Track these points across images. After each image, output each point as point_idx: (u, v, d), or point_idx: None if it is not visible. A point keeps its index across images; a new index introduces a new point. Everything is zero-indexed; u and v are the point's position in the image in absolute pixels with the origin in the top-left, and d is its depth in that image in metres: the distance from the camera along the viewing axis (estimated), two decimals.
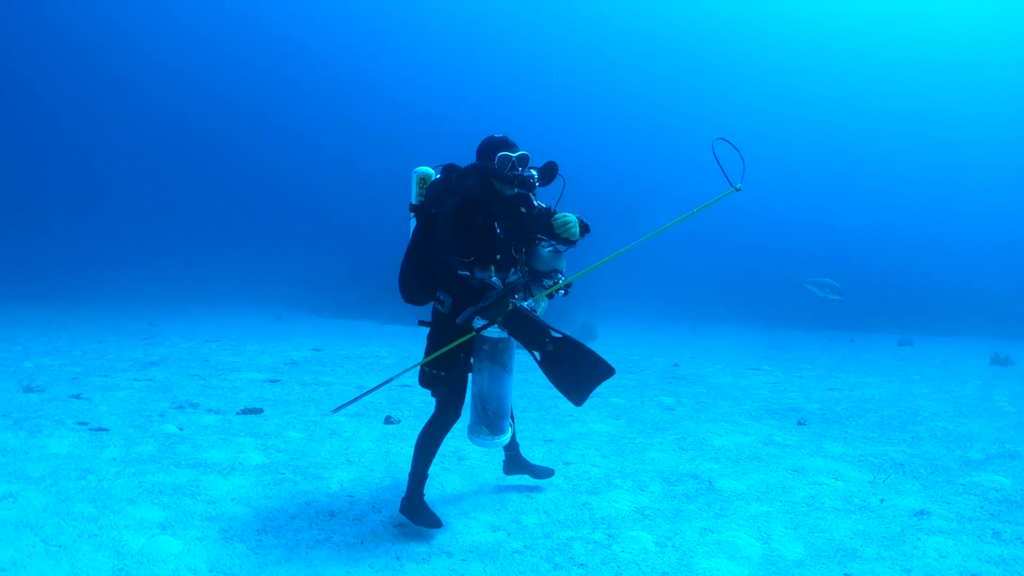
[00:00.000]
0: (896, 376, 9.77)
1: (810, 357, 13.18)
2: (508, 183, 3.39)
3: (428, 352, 3.52)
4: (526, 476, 4.29)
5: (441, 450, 4.97)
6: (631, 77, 57.87)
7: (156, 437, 5.06)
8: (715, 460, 4.99)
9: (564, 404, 6.20)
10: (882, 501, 4.13)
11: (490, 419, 3.65)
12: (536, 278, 3.58)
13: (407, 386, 8.02)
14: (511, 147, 3.44)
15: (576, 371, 3.37)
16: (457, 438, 5.25)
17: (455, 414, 3.61)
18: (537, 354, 3.36)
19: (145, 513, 3.60)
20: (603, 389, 4.86)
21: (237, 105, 55.26)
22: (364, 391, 3.49)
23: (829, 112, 54.77)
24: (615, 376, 3.47)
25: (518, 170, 3.39)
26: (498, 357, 3.57)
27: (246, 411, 6.07)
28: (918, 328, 20.79)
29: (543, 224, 3.59)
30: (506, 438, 3.86)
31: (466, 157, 3.60)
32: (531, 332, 3.33)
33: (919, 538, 3.55)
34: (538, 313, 3.54)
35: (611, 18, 55.91)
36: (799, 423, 6.38)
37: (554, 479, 4.37)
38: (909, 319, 22.25)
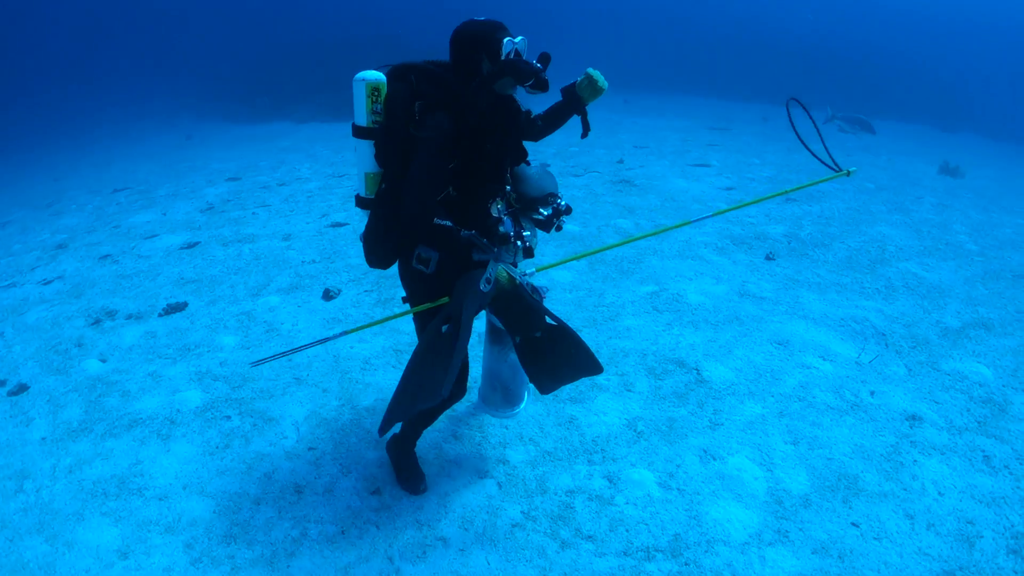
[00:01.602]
0: (848, 182, 9.53)
1: (755, 147, 12.79)
2: (524, 80, 2.45)
3: (419, 325, 2.86)
4: None
5: (395, 342, 4.49)
6: None
7: (80, 388, 4.25)
8: (695, 328, 4.68)
9: None
10: (872, 394, 3.97)
11: (505, 387, 3.23)
12: (527, 207, 2.79)
13: (339, 225, 7.27)
14: (507, 32, 2.51)
15: (555, 362, 2.86)
16: (411, 323, 4.76)
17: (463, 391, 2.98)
18: (518, 338, 2.81)
19: (99, 536, 3.00)
20: None
21: None
22: (291, 349, 2.82)
23: None
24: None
25: (534, 62, 2.48)
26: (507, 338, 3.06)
27: (168, 310, 5.27)
28: (855, 107, 20.46)
29: (527, 133, 2.80)
30: (523, 404, 3.42)
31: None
32: (521, 317, 2.76)
33: (916, 460, 3.42)
34: (532, 247, 2.83)
35: None
36: (767, 258, 6.11)
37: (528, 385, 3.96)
38: (845, 96, 21.83)
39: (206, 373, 4.27)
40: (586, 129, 2.85)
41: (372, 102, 2.53)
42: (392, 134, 2.53)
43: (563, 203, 2.79)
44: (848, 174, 2.90)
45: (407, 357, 4.28)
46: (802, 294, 5.35)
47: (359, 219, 9.40)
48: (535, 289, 2.83)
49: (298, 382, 4.08)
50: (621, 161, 10.62)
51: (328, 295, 5.29)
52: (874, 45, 29.51)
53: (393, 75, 2.58)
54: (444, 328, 2.54)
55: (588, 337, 4.46)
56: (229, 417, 3.77)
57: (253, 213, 8.08)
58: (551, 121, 2.86)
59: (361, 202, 2.69)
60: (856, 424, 3.69)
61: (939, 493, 3.20)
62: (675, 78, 24.81)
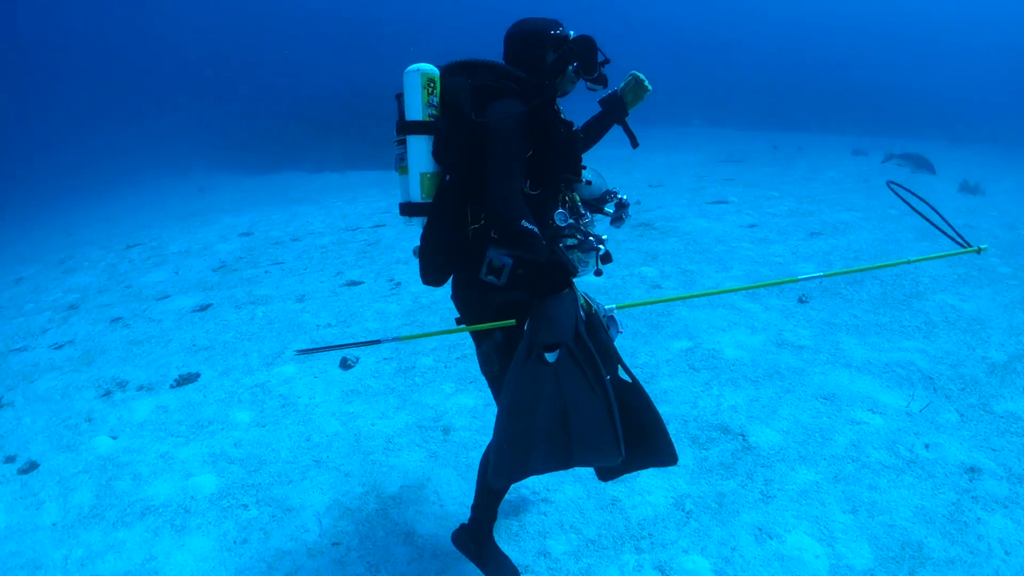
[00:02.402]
0: (871, 211, 9.31)
1: (771, 180, 12.62)
2: (591, 69, 2.42)
3: (484, 353, 2.45)
4: None
5: (419, 417, 4.26)
6: None
7: (90, 469, 4.05)
8: (735, 386, 4.43)
9: None
10: (927, 447, 3.71)
11: None
12: (592, 211, 2.59)
13: (354, 284, 7.12)
14: (561, 27, 2.47)
15: (553, 419, 2.24)
16: (435, 394, 4.55)
17: None
18: (525, 351, 2.31)
19: None
20: None
21: None
22: (337, 345, 2.50)
23: None
24: None
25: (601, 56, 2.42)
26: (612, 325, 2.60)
27: (180, 381, 5.10)
28: (862, 129, 20.28)
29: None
30: None
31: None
32: (553, 327, 2.27)
33: (979, 518, 3.16)
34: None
35: None
36: (800, 300, 5.86)
37: None
38: (852, 118, 21.71)
39: (220, 455, 4.06)
40: (633, 139, 2.69)
41: (428, 94, 2.32)
42: (459, 122, 2.29)
43: (624, 196, 2.59)
44: (979, 251, 2.66)
45: (432, 435, 4.06)
46: (842, 339, 5.10)
47: (400, 230, 9.09)
48: (611, 323, 2.46)
49: (318, 465, 3.85)
50: (638, 202, 10.48)
51: (345, 364, 5.10)
52: (875, 67, 29.51)
53: (446, 71, 2.39)
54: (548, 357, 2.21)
55: None
56: (246, 506, 3.54)
57: (266, 271, 7.97)
58: (592, 132, 2.70)
59: (413, 209, 2.39)
60: (914, 483, 3.42)
61: (1006, 552, 2.95)
62: (685, 110, 24.83)
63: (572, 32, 2.47)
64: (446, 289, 6.84)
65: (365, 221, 10.65)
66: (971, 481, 3.43)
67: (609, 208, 2.61)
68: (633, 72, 2.62)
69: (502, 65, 2.39)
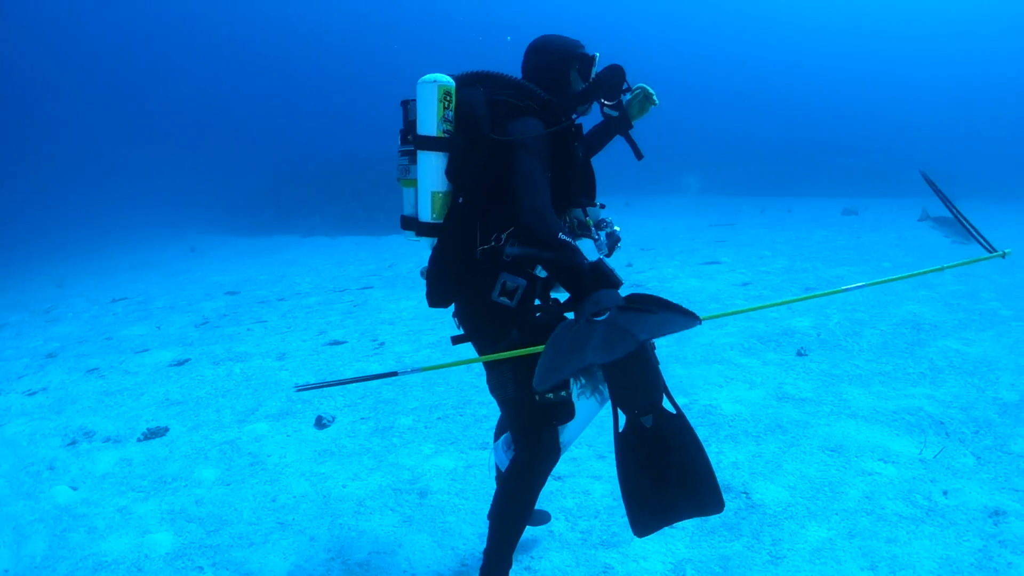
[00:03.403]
0: (866, 265, 9.22)
1: (763, 239, 12.58)
2: (614, 97, 2.43)
3: (499, 376, 2.29)
4: None
5: (394, 479, 3.92)
6: None
7: (46, 519, 3.77)
8: (735, 442, 4.14)
9: None
10: (946, 494, 3.42)
11: None
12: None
13: (337, 343, 6.88)
14: (584, 48, 2.46)
15: (666, 479, 2.06)
16: (413, 455, 4.25)
17: (557, 451, 2.40)
18: (623, 421, 2.08)
19: None
20: None
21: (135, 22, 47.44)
22: (335, 380, 2.26)
23: None
24: None
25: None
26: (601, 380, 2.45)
27: (148, 434, 4.84)
28: (851, 191, 20.50)
29: None
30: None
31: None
32: (636, 386, 2.04)
33: (1010, 563, 2.88)
34: None
35: None
36: (799, 354, 5.63)
37: (553, 524, 3.39)
38: (837, 181, 21.98)
39: (180, 512, 3.74)
40: (637, 151, 2.59)
41: (444, 108, 2.18)
42: (478, 140, 2.18)
43: (618, 228, 2.42)
44: (1004, 255, 2.55)
45: (407, 498, 3.73)
46: (845, 389, 4.85)
47: (387, 292, 8.84)
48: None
49: (282, 527, 3.52)
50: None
51: (321, 423, 4.80)
52: (861, 128, 30.20)
53: (462, 82, 2.28)
54: (648, 420, 2.06)
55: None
56: (202, 568, 3.21)
57: (248, 329, 7.74)
58: (593, 144, 2.61)
59: (422, 229, 2.29)
60: (936, 532, 3.13)
61: None
62: (674, 178, 25.13)
63: (598, 54, 2.43)
64: (430, 348, 6.61)
65: (353, 283, 10.49)
66: (996, 525, 3.14)
67: (601, 235, 2.44)
68: (641, 85, 2.58)
69: (523, 82, 2.32)
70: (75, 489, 4.15)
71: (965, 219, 2.67)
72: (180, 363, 6.62)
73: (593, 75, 2.42)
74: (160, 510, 3.79)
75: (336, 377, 5.76)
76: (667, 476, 2.06)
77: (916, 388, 4.78)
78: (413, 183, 2.30)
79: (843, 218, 15.50)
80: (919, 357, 5.39)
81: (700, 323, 1.91)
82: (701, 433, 4.12)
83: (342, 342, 6.94)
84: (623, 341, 1.82)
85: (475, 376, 5.46)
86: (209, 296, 10.07)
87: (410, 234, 2.37)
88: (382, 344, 6.75)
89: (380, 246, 14.93)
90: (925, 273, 2.59)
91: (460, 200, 2.22)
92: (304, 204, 19.25)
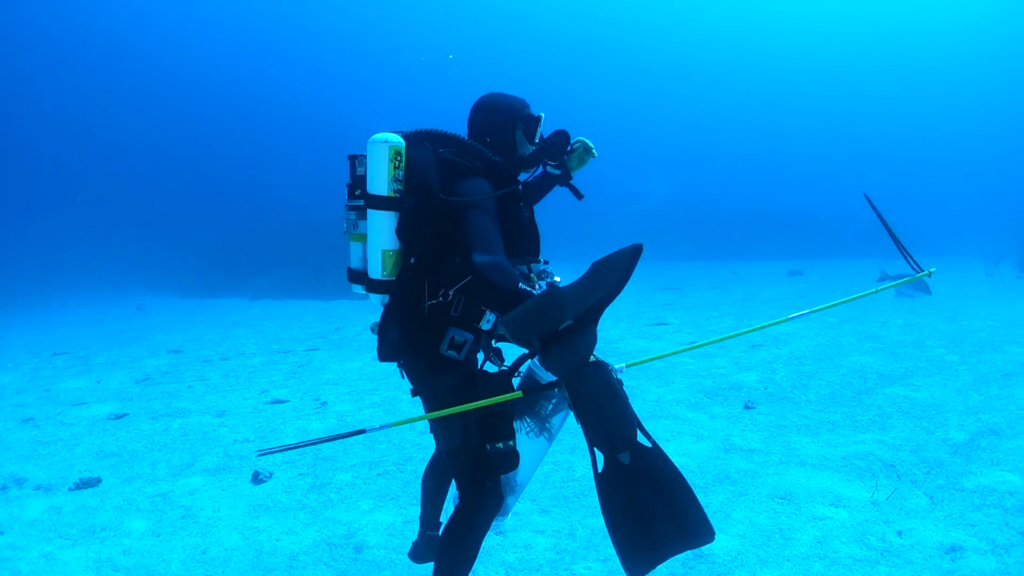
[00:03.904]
0: (811, 321, 9.41)
1: (710, 300, 12.81)
2: (556, 159, 2.51)
3: (446, 427, 2.29)
4: None
5: (329, 534, 3.73)
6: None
7: None
8: None
9: None
10: (900, 534, 3.38)
11: (504, 492, 2.49)
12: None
13: (279, 402, 6.65)
14: (529, 107, 2.51)
15: (651, 515, 2.05)
16: (350, 510, 4.05)
17: (500, 499, 2.37)
18: (600, 459, 2.08)
19: None
20: None
21: (82, 74, 47.12)
22: (299, 442, 2.14)
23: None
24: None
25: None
26: (553, 422, 2.48)
27: (80, 484, 4.64)
28: (795, 252, 21.21)
29: None
30: (507, 520, 2.84)
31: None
32: (611, 415, 2.05)
33: None
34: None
35: None
36: (746, 407, 5.63)
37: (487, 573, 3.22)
38: (782, 244, 22.72)
39: (106, 561, 3.52)
40: (577, 194, 2.64)
41: (395, 168, 2.21)
42: (428, 200, 2.23)
43: (559, 278, 2.42)
44: (929, 274, 2.63)
45: (342, 552, 3.53)
46: (793, 439, 4.83)
47: (332, 354, 8.63)
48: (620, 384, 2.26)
49: None
50: None
51: (257, 478, 4.57)
52: (803, 191, 31.50)
53: (410, 140, 2.30)
54: (625, 458, 2.05)
55: (560, 516, 3.80)
56: None
57: (189, 387, 7.45)
58: (533, 195, 2.68)
59: (375, 286, 2.32)
60: (892, 572, 3.06)
61: None
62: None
63: (543, 114, 2.48)
64: (373, 407, 6.42)
65: (299, 344, 10.25)
66: (954, 561, 3.09)
67: (541, 286, 2.45)
68: (581, 139, 2.64)
69: (470, 142, 2.36)
70: (1, 533, 3.98)
71: (898, 240, 2.75)
72: (118, 417, 6.38)
73: (538, 136, 2.48)
74: (86, 558, 3.59)
75: (277, 436, 5.52)
76: (653, 511, 2.05)
77: (865, 434, 4.80)
78: (361, 238, 2.34)
79: (789, 278, 15.93)
80: (867, 405, 5.44)
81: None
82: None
83: (284, 401, 6.71)
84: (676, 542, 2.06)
85: (417, 434, 5.32)
86: (152, 354, 9.75)
87: (357, 287, 2.40)
88: (324, 403, 6.55)
89: (327, 310, 14.70)
90: (854, 299, 2.64)
91: (412, 261, 2.28)
92: (253, 267, 18.97)
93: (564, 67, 55.35)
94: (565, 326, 2.01)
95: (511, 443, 2.28)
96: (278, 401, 6.71)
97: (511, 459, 2.28)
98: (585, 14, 54.46)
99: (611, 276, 2.01)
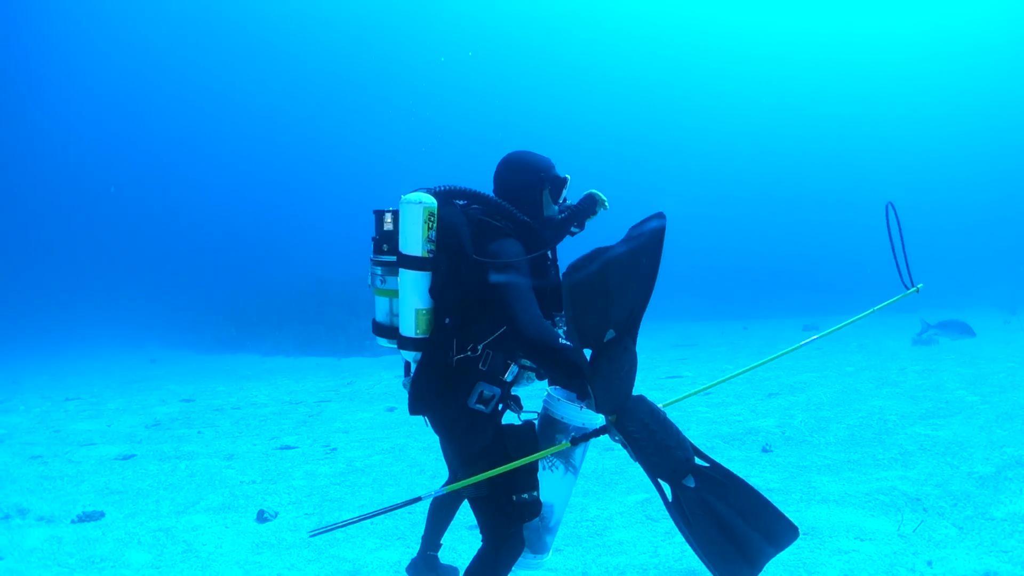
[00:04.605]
0: (828, 370, 9.25)
1: (725, 355, 12.66)
2: (582, 224, 2.58)
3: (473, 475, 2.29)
4: None
5: (333, 570, 3.65)
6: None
7: None
8: None
9: None
10: (930, 564, 3.25)
11: (542, 533, 2.54)
12: None
13: (288, 448, 6.56)
14: (554, 168, 2.56)
15: (735, 529, 2.05)
16: (356, 549, 3.95)
17: (523, 543, 2.42)
18: (667, 488, 2.07)
19: None
20: None
21: (99, 122, 48.69)
22: (352, 518, 2.13)
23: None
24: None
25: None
26: (575, 456, 2.55)
27: (83, 517, 4.62)
28: (809, 309, 21.05)
29: None
30: (547, 558, 2.76)
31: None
32: (668, 442, 2.04)
33: None
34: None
35: None
36: (764, 450, 5.49)
37: None
38: (794, 301, 22.60)
39: None
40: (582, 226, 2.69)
41: (428, 228, 2.23)
42: (461, 261, 2.27)
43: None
44: (917, 290, 2.68)
45: None
46: (814, 478, 4.69)
47: (344, 405, 8.53)
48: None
49: None
50: None
51: (262, 517, 4.48)
52: (815, 247, 31.39)
53: (441, 200, 2.31)
54: (689, 480, 2.05)
55: (571, 555, 3.71)
56: None
57: (199, 432, 7.40)
58: None
59: (407, 343, 2.33)
60: None
61: None
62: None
63: (569, 176, 2.53)
64: (383, 453, 6.34)
65: (311, 396, 10.18)
66: None
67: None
68: (592, 191, 2.65)
69: (500, 202, 2.40)
70: (1, 559, 3.99)
71: (903, 251, 2.74)
72: (126, 458, 6.33)
73: (562, 197, 2.55)
74: None
75: (285, 480, 5.41)
76: (735, 525, 2.05)
77: (888, 471, 4.65)
78: (389, 293, 2.37)
79: (804, 333, 15.77)
80: (888, 444, 5.29)
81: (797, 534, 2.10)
82: (664, 526, 3.96)
83: (293, 447, 6.62)
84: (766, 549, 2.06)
85: (427, 478, 5.23)
86: (163, 402, 9.72)
87: (383, 340, 2.44)
88: (334, 449, 6.46)
89: (340, 366, 14.66)
90: (852, 322, 2.69)
91: (447, 321, 2.29)
92: (266, 323, 19.01)
93: (574, 101, 56.28)
94: (607, 340, 2.02)
95: (535, 493, 2.32)
96: (287, 448, 6.62)
97: (535, 508, 2.33)
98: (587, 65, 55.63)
99: (643, 267, 2.02)
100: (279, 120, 54.79)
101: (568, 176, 2.53)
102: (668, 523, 4.10)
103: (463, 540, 3.64)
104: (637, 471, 5.18)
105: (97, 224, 44.67)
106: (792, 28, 53.26)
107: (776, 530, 2.07)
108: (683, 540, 3.71)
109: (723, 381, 2.47)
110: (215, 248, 42.09)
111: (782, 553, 3.43)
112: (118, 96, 49.20)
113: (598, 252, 1.98)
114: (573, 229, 2.59)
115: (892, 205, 2.76)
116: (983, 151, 49.68)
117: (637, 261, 1.99)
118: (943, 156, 51.50)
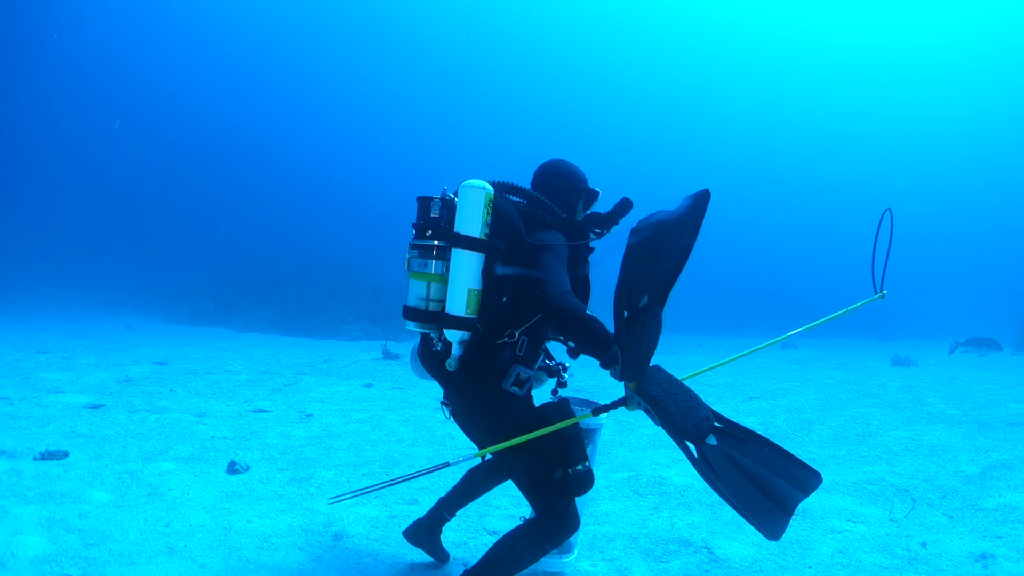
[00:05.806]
0: (809, 382, 9.28)
1: (704, 364, 12.66)
2: (605, 230, 2.63)
3: (519, 461, 2.41)
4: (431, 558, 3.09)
5: (307, 520, 3.50)
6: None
7: None
8: (689, 509, 3.85)
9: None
10: (924, 545, 3.21)
11: None
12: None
13: (262, 411, 6.38)
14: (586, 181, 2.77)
15: (762, 478, 2.13)
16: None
17: (578, 520, 2.43)
18: (693, 448, 2.13)
19: None
20: None
21: (87, 100, 47.73)
22: (382, 482, 2.18)
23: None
24: None
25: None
26: (594, 440, 2.72)
27: (46, 455, 4.41)
28: (785, 329, 21.17)
29: None
30: (573, 557, 2.83)
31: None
32: (689, 403, 2.19)
33: None
34: None
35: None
36: None
37: None
38: (771, 321, 22.73)
39: (59, 521, 3.28)
40: None
41: (487, 213, 2.35)
42: (518, 244, 2.37)
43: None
44: (883, 296, 2.67)
45: (320, 539, 3.31)
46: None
47: (320, 380, 8.33)
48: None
49: (170, 551, 3.01)
50: (571, 375, 10.19)
51: (233, 468, 4.32)
52: (796, 269, 31.65)
53: (497, 191, 2.45)
54: (712, 439, 2.14)
55: None
56: None
57: (171, 390, 7.19)
58: None
59: (452, 321, 2.35)
60: None
61: None
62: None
63: (600, 190, 2.71)
64: (359, 423, 6.18)
65: (287, 369, 9.97)
66: (986, 567, 2.91)
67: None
68: (626, 197, 2.77)
69: (540, 197, 2.55)
70: None
71: (885, 258, 2.75)
72: (95, 407, 6.12)
73: (590, 209, 2.70)
74: (39, 515, 3.36)
75: (257, 439, 5.22)
76: (761, 475, 2.12)
77: (874, 467, 4.63)
78: (428, 277, 2.40)
79: (782, 350, 15.84)
80: (872, 444, 5.28)
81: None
82: (651, 501, 3.88)
83: (267, 411, 6.44)
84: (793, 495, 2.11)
85: (407, 446, 5.12)
86: (136, 362, 9.47)
87: (411, 324, 2.46)
88: (310, 415, 6.29)
89: (316, 346, 14.46)
90: (825, 321, 2.73)
91: (504, 299, 2.38)
92: (244, 300, 18.71)
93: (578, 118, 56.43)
94: (642, 305, 2.10)
95: (588, 463, 2.37)
96: (261, 411, 6.44)
97: (589, 479, 2.37)
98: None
99: (683, 234, 2.11)
100: (270, 100, 54.32)
101: (599, 190, 2.71)
102: (655, 498, 4.02)
103: (477, 536, 3.46)
104: (622, 452, 5.13)
105: (80, 187, 43.81)
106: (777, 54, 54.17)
107: (801, 476, 2.16)
108: (671, 514, 3.66)
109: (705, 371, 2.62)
110: (195, 221, 41.50)
111: None
112: (107, 69, 48.37)
113: (657, 213, 2.09)
114: (599, 231, 2.67)
115: (890, 211, 2.77)
116: (978, 185, 50.76)
117: (682, 225, 2.09)
118: (940, 187, 52.50)
